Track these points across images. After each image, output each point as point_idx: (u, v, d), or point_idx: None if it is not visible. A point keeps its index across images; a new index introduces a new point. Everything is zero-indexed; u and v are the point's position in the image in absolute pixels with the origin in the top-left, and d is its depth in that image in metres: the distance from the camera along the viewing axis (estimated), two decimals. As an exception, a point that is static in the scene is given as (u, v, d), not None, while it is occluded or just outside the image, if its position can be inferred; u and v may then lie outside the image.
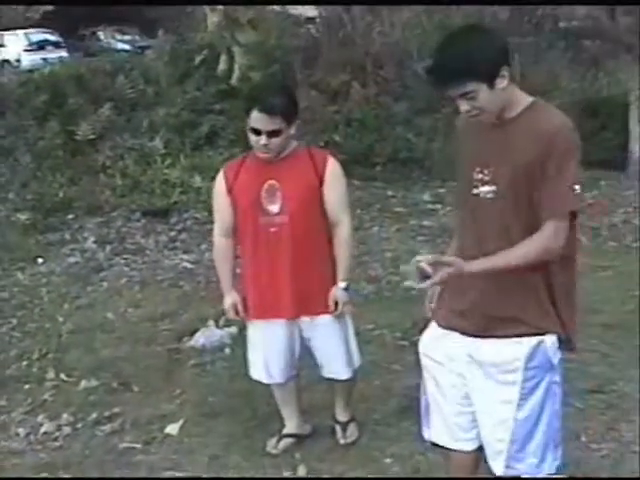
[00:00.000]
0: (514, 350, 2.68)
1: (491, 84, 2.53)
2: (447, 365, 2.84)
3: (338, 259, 3.76)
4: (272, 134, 3.58)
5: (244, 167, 3.78)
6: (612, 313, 5.34)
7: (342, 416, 4.10)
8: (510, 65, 2.58)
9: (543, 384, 2.71)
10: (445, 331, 2.84)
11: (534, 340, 2.67)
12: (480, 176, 2.67)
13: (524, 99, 2.64)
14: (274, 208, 3.67)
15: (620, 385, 4.49)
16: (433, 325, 2.93)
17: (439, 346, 2.87)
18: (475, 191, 2.69)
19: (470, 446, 2.92)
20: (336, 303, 3.75)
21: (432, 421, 2.98)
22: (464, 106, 2.59)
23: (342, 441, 4.03)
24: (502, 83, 2.54)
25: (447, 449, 2.99)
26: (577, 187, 2.55)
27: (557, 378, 2.75)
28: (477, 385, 2.77)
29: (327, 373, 3.97)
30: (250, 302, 3.85)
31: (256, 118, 3.58)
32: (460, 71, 2.52)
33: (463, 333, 2.78)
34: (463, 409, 2.86)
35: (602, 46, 15.24)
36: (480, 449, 2.93)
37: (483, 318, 2.72)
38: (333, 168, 3.73)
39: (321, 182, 3.68)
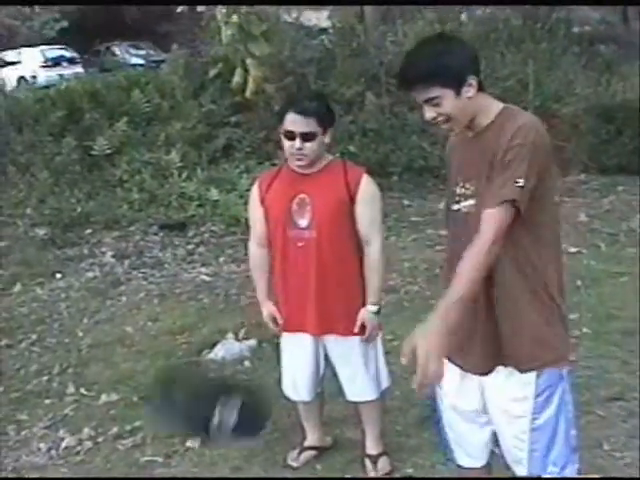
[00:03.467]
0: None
1: (457, 91, 2.54)
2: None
3: (367, 281, 3.67)
4: (306, 137, 3.53)
5: (278, 178, 3.74)
6: (631, 319, 5.31)
7: (373, 449, 3.98)
8: (478, 75, 2.58)
9: (556, 396, 2.69)
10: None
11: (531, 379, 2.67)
12: (462, 191, 2.66)
13: (496, 106, 2.64)
14: (303, 222, 3.62)
15: (641, 392, 4.47)
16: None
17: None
18: (455, 207, 2.68)
19: (481, 463, 2.96)
20: (364, 326, 3.67)
21: (455, 450, 2.99)
22: (429, 113, 2.59)
23: (372, 474, 3.90)
24: (469, 92, 2.55)
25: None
26: (520, 181, 2.45)
27: (567, 386, 2.73)
28: (491, 399, 2.77)
29: (351, 396, 3.90)
30: (280, 314, 3.83)
31: (290, 120, 3.54)
32: (425, 74, 2.53)
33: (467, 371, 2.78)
34: (479, 428, 2.87)
35: (616, 50, 15.22)
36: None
37: (483, 358, 2.71)
38: (366, 186, 3.64)
39: (352, 199, 3.59)
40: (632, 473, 3.73)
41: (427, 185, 10.22)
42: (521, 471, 2.78)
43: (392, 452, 4.02)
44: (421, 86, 2.55)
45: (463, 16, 15.79)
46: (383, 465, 3.93)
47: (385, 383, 3.90)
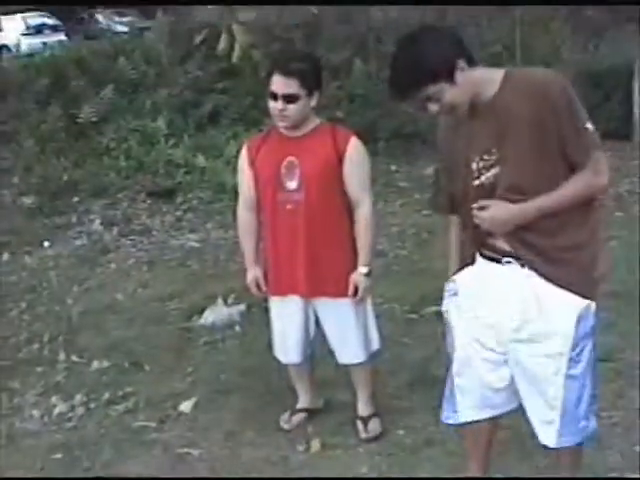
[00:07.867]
0: (565, 318, 2.66)
1: (451, 80, 2.52)
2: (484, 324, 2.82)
3: (358, 242, 3.67)
4: (288, 99, 3.52)
5: (267, 142, 3.73)
6: (619, 282, 5.34)
7: (364, 411, 3.99)
8: (466, 54, 2.56)
9: (587, 348, 2.71)
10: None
11: (583, 304, 2.67)
12: (482, 164, 2.65)
13: (498, 74, 2.63)
14: (292, 185, 3.61)
15: (628, 353, 4.51)
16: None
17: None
18: (476, 182, 2.68)
19: (498, 411, 2.94)
20: (356, 289, 3.67)
21: (459, 402, 2.96)
22: (433, 107, 2.58)
23: (363, 435, 3.90)
24: (462, 75, 2.53)
25: (475, 422, 2.98)
26: (589, 125, 2.59)
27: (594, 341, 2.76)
28: (522, 356, 2.75)
29: (341, 359, 3.91)
30: (269, 277, 3.83)
31: (273, 81, 3.53)
32: (414, 81, 2.52)
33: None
34: (498, 372, 2.85)
35: (604, 15, 15.14)
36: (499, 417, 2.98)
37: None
38: (355, 148, 3.64)
39: (341, 161, 3.59)
40: (620, 432, 3.77)
41: (414, 151, 10.20)
42: (550, 435, 2.77)
43: (383, 414, 4.04)
44: (415, 92, 2.54)
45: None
46: (374, 426, 3.95)
47: (375, 345, 3.92)
